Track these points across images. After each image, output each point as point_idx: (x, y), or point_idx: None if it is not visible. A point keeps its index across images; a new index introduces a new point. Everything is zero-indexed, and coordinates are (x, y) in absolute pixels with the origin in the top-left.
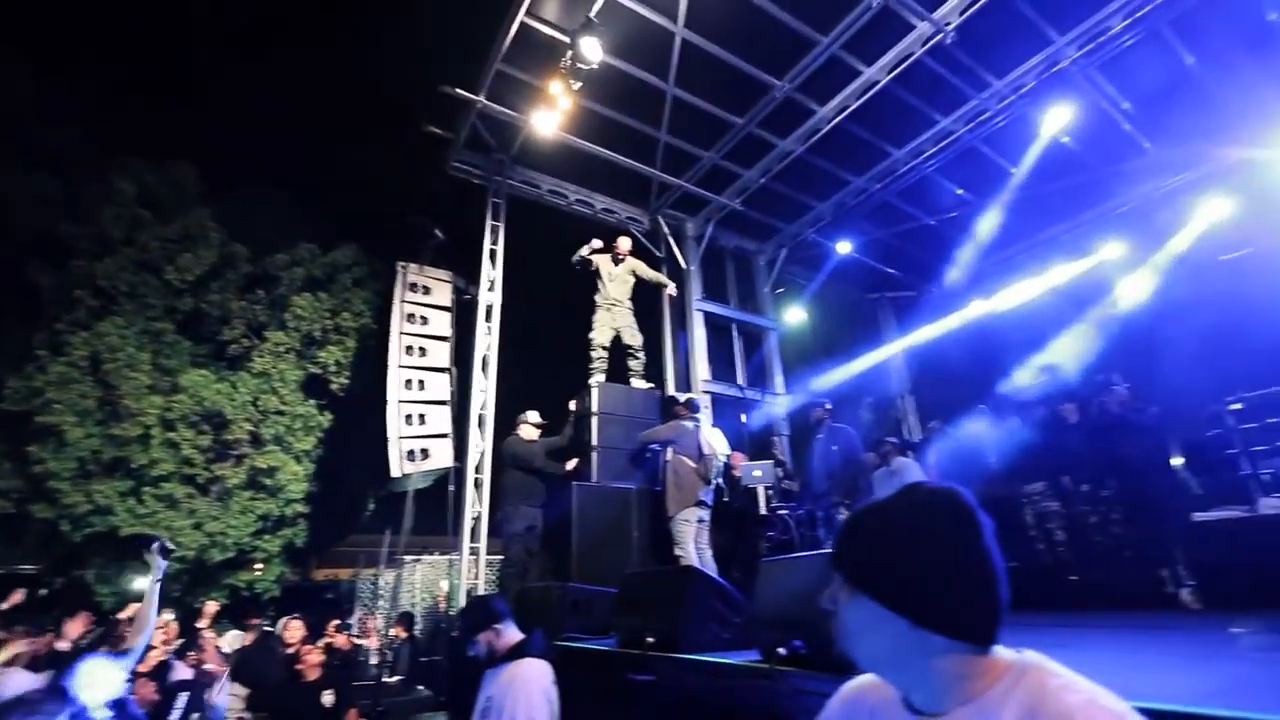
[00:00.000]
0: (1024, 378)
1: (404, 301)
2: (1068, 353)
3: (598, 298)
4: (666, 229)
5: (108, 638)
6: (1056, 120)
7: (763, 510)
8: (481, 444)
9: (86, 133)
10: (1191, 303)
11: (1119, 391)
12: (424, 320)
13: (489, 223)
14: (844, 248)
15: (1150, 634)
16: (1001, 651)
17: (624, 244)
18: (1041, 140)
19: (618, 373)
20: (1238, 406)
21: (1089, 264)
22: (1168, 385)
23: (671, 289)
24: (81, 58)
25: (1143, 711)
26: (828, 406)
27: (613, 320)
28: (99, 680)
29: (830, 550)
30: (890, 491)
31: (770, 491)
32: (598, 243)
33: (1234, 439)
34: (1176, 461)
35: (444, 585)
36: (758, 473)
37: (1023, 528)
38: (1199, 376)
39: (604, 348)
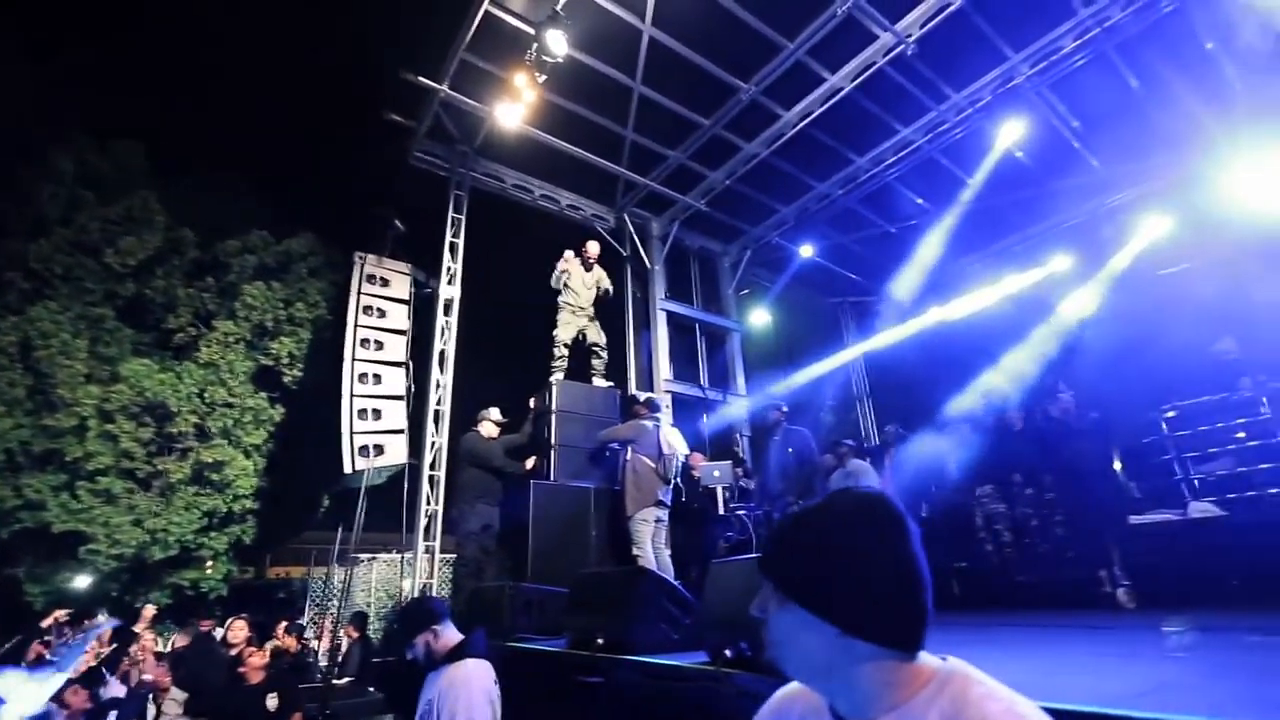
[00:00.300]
0: (966, 401)
1: (361, 293)
2: (1015, 368)
3: (562, 299)
4: (632, 228)
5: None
6: (1010, 135)
7: (721, 510)
8: (438, 440)
9: (23, 109)
10: (1132, 314)
11: (1063, 399)
12: (381, 313)
13: (450, 215)
14: (806, 251)
15: (1086, 634)
16: (926, 659)
17: (593, 249)
18: (995, 153)
19: (579, 371)
20: (1172, 414)
21: (1039, 275)
22: (1109, 392)
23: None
24: (21, 31)
25: (1069, 714)
26: (783, 409)
27: (578, 321)
28: (15, 696)
29: (758, 556)
30: None
31: (728, 492)
32: (570, 253)
33: (1168, 445)
34: (1117, 466)
35: (407, 585)
36: (717, 473)
37: (972, 530)
38: (1138, 384)
39: (566, 345)
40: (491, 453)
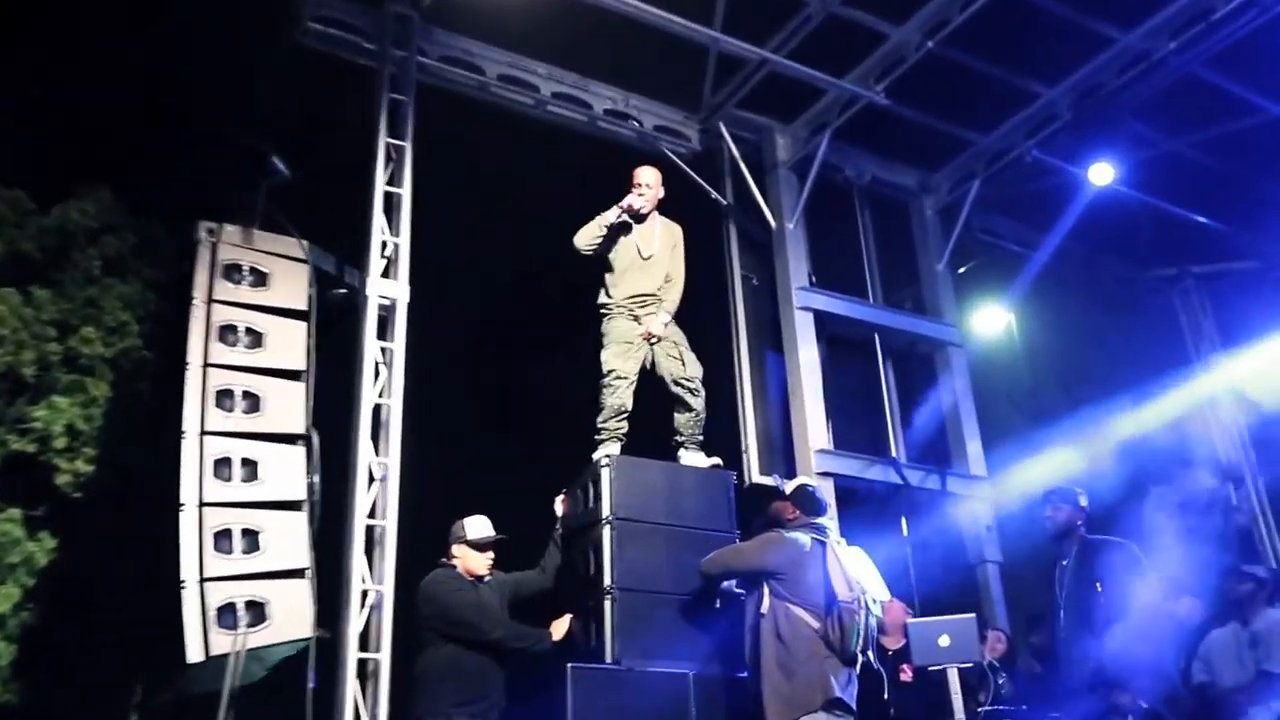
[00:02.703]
0: None
1: (214, 301)
2: None
3: (610, 290)
4: (735, 149)
5: None
6: None
7: (959, 717)
8: (375, 589)
9: None
10: None
11: None
12: (253, 337)
13: (383, 141)
14: (1101, 175)
15: None
16: None
17: (646, 178)
18: None
19: (654, 436)
20: None
21: None
22: None
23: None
24: None
25: None
26: (1081, 502)
27: (642, 329)
28: None
29: None
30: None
31: (975, 675)
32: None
33: None
34: None
35: None
36: (945, 640)
37: None
38: None
39: (628, 380)
40: (478, 608)
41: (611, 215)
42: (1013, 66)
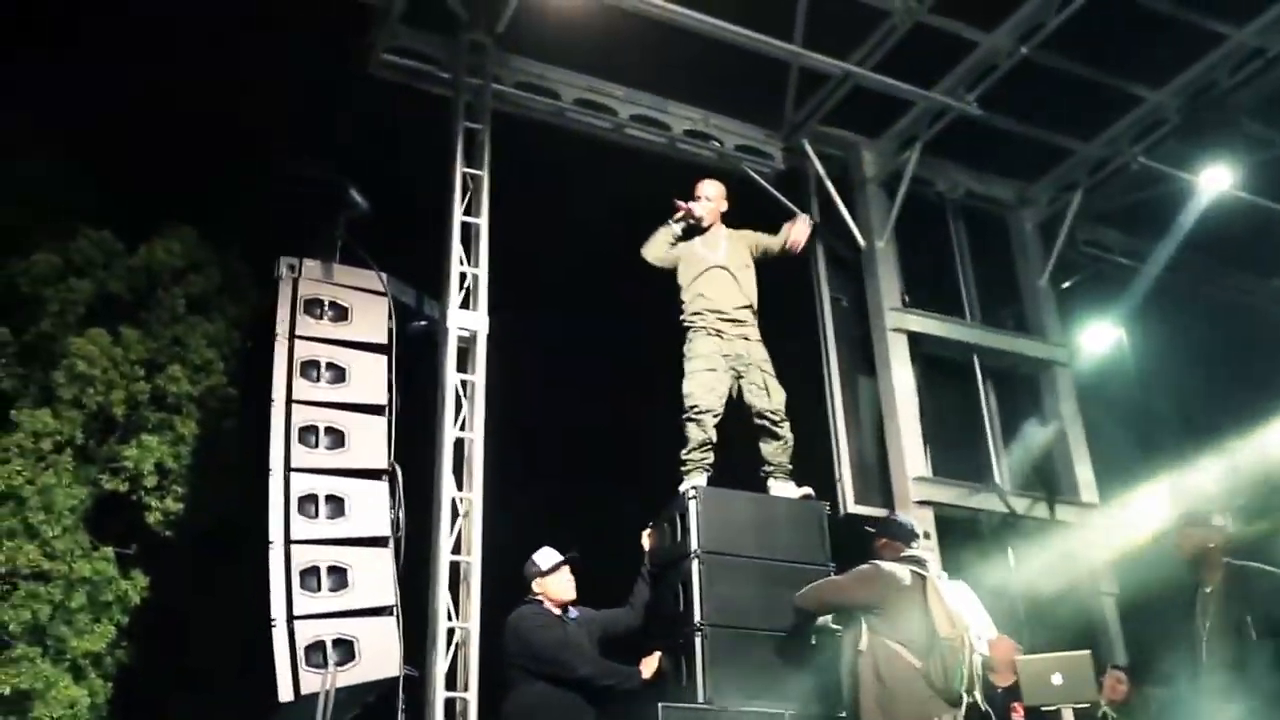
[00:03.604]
0: None
1: (296, 337)
2: None
3: (686, 305)
4: (820, 166)
5: None
6: None
7: None
8: (461, 626)
9: None
10: None
11: None
12: (336, 372)
13: (459, 171)
14: (1216, 181)
15: None
16: None
17: (707, 191)
18: None
19: (743, 465)
20: None
21: None
22: None
23: (799, 229)
24: None
25: None
26: (1219, 524)
27: (724, 355)
28: None
29: None
30: None
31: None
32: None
33: None
34: None
35: None
36: (1058, 677)
37: None
38: None
39: (712, 411)
40: (568, 647)
41: (675, 228)
42: (1114, 69)
